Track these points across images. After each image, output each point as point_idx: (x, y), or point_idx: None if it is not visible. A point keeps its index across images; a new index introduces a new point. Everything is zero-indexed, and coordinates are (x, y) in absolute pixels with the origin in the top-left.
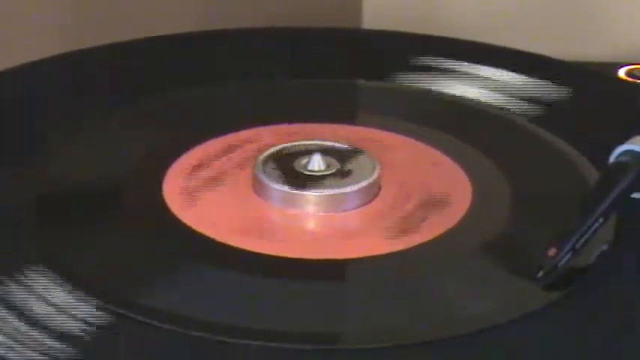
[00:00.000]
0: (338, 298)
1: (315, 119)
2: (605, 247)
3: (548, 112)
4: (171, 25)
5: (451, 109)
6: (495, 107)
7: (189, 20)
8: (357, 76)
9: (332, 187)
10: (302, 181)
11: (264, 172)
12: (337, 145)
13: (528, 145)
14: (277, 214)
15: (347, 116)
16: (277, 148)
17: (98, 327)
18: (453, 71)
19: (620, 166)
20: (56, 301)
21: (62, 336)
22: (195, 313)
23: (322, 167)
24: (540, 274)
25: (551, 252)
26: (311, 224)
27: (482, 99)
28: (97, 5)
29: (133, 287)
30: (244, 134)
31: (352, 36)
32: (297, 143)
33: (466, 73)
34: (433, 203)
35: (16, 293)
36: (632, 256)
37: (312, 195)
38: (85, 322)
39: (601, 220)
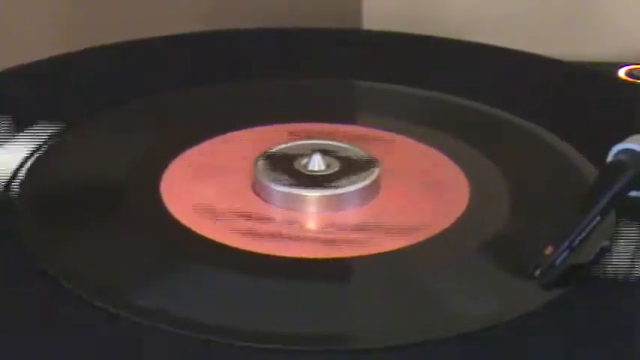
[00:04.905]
0: (337, 298)
1: (315, 119)
2: (603, 246)
3: (548, 112)
4: (171, 25)
5: (451, 109)
6: (495, 107)
7: (190, 20)
8: (357, 76)
9: (332, 187)
10: (302, 181)
11: (264, 172)
12: (337, 145)
13: (528, 144)
14: (277, 215)
15: (347, 116)
16: (277, 148)
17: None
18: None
19: (618, 165)
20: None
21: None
22: (194, 314)
23: (322, 167)
24: (537, 272)
25: (548, 250)
26: (311, 224)
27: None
28: (96, 5)
29: (131, 287)
30: (244, 134)
31: (352, 36)
32: (297, 143)
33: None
34: (432, 203)
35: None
36: (632, 256)
37: (312, 195)
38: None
39: (598, 218)
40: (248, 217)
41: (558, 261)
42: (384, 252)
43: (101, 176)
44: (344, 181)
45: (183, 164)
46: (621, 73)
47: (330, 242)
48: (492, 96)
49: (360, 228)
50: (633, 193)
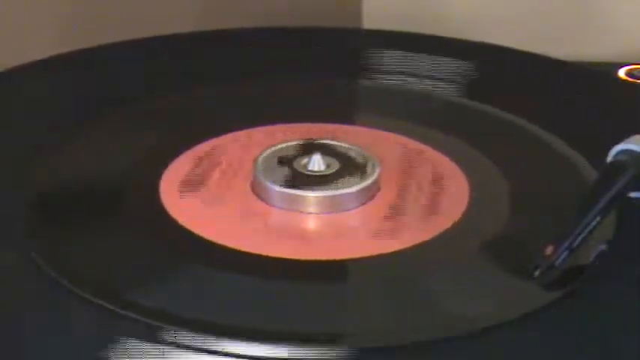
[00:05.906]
0: (337, 298)
1: (316, 119)
2: (604, 246)
3: (548, 112)
4: (170, 25)
5: (451, 109)
6: (495, 107)
7: (190, 20)
8: (358, 76)
9: (332, 187)
10: (302, 181)
11: (264, 172)
12: (337, 144)
13: (528, 144)
14: (277, 215)
15: (347, 116)
16: (277, 148)
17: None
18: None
19: (618, 166)
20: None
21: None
22: (193, 315)
23: (322, 167)
24: (537, 272)
25: (548, 250)
26: (311, 225)
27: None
28: (97, 5)
29: (130, 288)
30: (244, 134)
31: (352, 36)
32: (297, 143)
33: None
34: (432, 203)
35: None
36: (632, 256)
37: (312, 195)
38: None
39: (598, 218)
40: (247, 218)
41: (558, 261)
42: (385, 252)
43: (101, 176)
44: (344, 181)
45: (182, 165)
46: (621, 73)
47: (331, 243)
48: (492, 96)
49: (360, 229)
50: (633, 194)
